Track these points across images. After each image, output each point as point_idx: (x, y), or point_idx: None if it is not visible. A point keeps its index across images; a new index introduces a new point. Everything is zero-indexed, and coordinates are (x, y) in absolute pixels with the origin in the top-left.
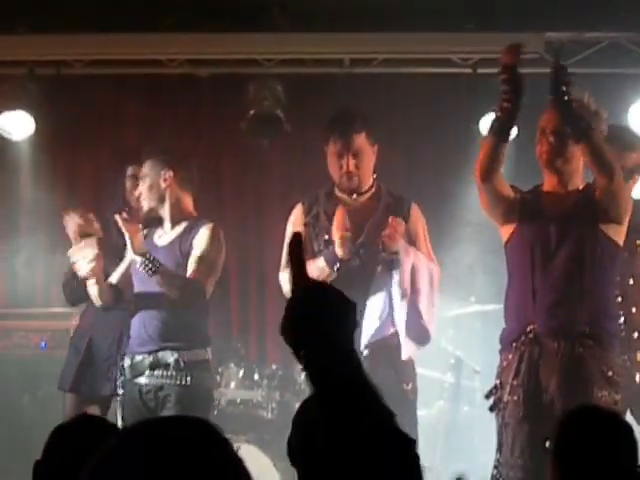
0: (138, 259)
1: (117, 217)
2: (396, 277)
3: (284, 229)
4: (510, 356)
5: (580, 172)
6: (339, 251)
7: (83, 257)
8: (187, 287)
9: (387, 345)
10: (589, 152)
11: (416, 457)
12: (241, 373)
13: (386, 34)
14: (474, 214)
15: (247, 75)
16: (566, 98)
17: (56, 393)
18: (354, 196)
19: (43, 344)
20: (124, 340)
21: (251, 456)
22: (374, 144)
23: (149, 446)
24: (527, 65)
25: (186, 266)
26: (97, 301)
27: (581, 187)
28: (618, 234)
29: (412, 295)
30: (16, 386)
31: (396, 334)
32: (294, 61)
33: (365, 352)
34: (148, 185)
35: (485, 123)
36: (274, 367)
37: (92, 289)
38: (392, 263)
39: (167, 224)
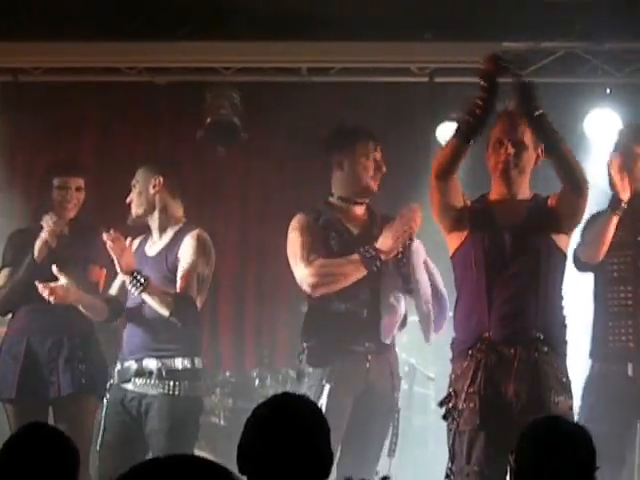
0: (127, 278)
1: (105, 237)
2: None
3: (240, 234)
4: (465, 364)
5: (528, 183)
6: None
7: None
8: (177, 303)
9: (389, 351)
10: (561, 164)
11: None
12: None
13: (344, 43)
14: (430, 224)
15: (204, 83)
16: (536, 113)
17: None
18: (352, 203)
19: None
20: (65, 342)
21: None
22: None
23: None
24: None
25: (174, 278)
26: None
27: (529, 197)
28: (565, 244)
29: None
30: None
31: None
32: (252, 69)
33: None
34: (138, 192)
35: (442, 131)
36: (227, 374)
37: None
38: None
39: (155, 233)
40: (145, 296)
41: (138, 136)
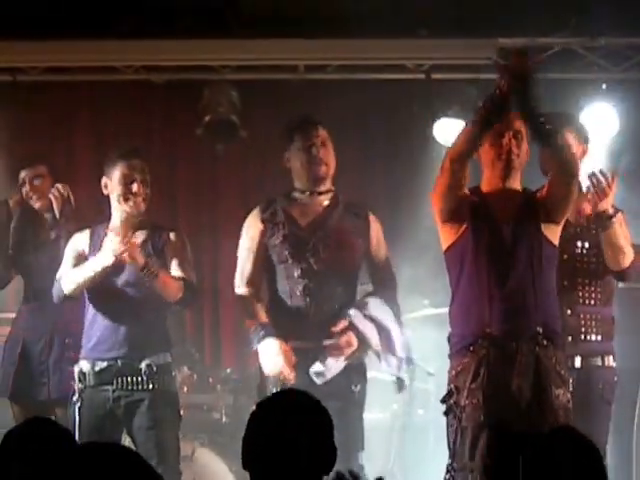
0: (139, 267)
1: (110, 238)
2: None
3: (239, 232)
4: (465, 360)
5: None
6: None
7: None
8: (187, 288)
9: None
10: (555, 156)
11: None
12: (195, 377)
13: (340, 40)
14: (428, 219)
15: (202, 81)
16: (531, 104)
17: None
18: (310, 195)
19: None
20: (55, 344)
21: (205, 459)
22: (332, 149)
23: None
24: (480, 71)
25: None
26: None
27: (521, 189)
28: (555, 235)
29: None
30: None
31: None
32: (249, 67)
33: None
34: (143, 182)
35: (439, 128)
36: (228, 371)
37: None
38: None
39: (126, 224)
40: (154, 284)
41: (136, 135)
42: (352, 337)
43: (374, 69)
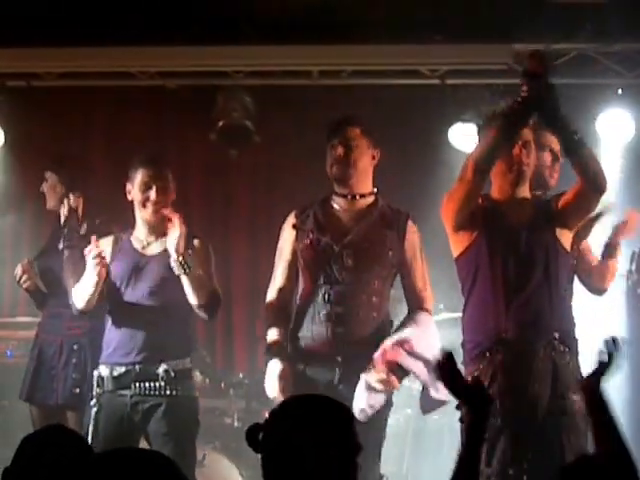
0: (174, 256)
1: (171, 214)
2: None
3: (252, 238)
4: (482, 366)
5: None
6: None
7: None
8: (212, 296)
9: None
10: (583, 164)
11: None
12: (207, 381)
13: (355, 46)
14: (441, 223)
15: (216, 87)
16: (558, 115)
17: (23, 402)
18: (349, 198)
19: (9, 352)
20: (64, 350)
21: (217, 463)
22: (374, 147)
23: None
24: (495, 76)
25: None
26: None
27: (529, 195)
28: (568, 240)
29: None
30: None
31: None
32: (263, 73)
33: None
34: (162, 189)
35: (454, 133)
36: (241, 376)
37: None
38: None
39: (148, 231)
40: (185, 279)
41: (150, 140)
42: (394, 380)
43: (389, 74)
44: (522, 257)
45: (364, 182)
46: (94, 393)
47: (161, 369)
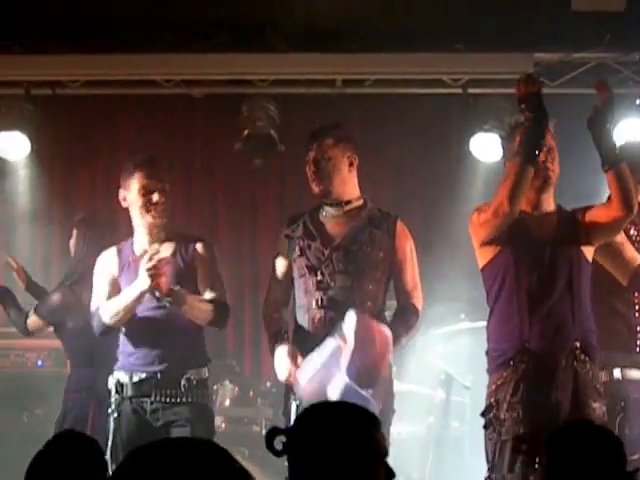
0: (166, 298)
1: (144, 261)
2: None
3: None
4: (505, 374)
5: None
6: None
7: None
8: (218, 309)
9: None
10: (618, 181)
11: None
12: (236, 390)
13: (378, 55)
14: (464, 232)
15: (241, 95)
16: (605, 127)
17: (54, 411)
18: (335, 205)
19: (40, 362)
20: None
21: None
22: (351, 153)
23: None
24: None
25: (190, 283)
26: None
27: (555, 209)
28: (591, 252)
29: None
30: (15, 404)
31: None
32: (287, 81)
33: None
34: (163, 191)
35: (475, 142)
36: (268, 384)
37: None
38: None
39: (150, 236)
40: (184, 309)
41: (175, 149)
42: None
43: (411, 83)
44: (546, 269)
45: (346, 189)
46: (112, 400)
47: (184, 378)
